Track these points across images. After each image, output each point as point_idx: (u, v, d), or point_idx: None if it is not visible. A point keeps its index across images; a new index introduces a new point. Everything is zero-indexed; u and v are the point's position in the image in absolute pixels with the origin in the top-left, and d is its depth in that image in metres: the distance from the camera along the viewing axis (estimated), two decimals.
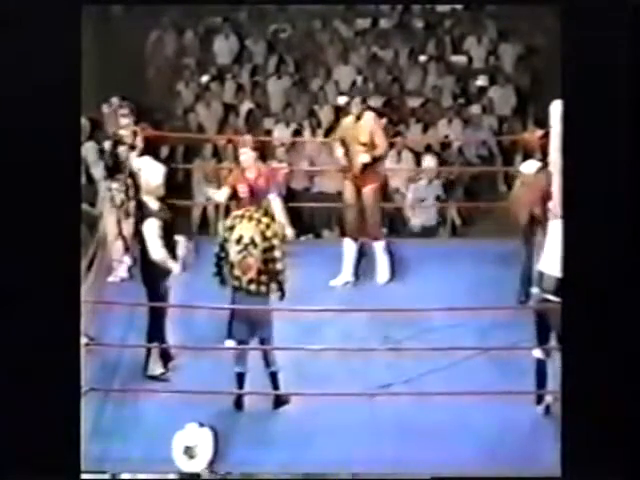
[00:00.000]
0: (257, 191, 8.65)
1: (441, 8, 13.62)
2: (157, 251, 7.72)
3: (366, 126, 9.17)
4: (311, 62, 13.06)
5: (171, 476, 6.66)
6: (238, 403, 7.67)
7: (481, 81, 12.92)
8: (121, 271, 9.42)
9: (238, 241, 7.45)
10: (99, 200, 9.92)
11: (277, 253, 7.46)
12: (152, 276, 7.84)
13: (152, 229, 7.74)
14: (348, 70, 12.93)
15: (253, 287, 7.47)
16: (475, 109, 12.37)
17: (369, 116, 9.26)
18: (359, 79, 12.81)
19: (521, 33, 13.20)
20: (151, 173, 7.93)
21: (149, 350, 7.94)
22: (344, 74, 12.85)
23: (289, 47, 13.35)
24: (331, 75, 12.86)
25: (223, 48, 13.27)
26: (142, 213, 7.88)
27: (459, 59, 13.24)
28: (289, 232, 8.49)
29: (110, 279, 9.34)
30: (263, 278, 7.48)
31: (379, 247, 9.43)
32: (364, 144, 9.11)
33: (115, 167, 9.48)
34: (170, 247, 7.81)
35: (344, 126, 9.34)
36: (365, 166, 9.13)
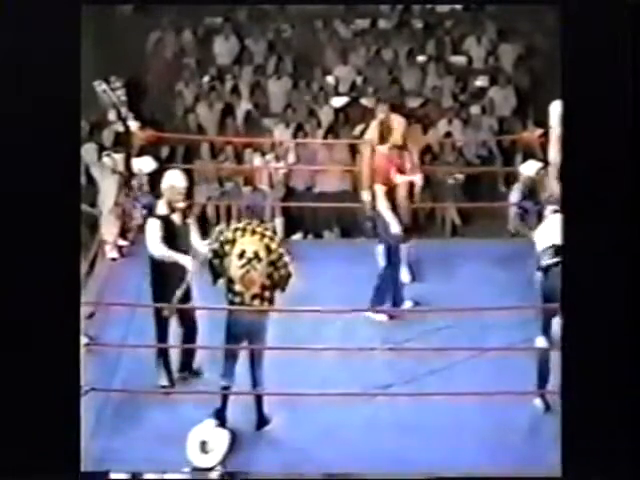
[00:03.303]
0: None
1: (441, 8, 13.60)
2: (156, 247, 7.61)
3: (398, 129, 9.17)
4: (311, 62, 13.05)
5: (169, 476, 6.67)
6: (221, 417, 7.27)
7: (481, 81, 12.92)
8: (113, 252, 9.54)
9: (240, 255, 7.23)
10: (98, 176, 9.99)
11: (287, 258, 7.29)
12: (160, 284, 7.69)
13: (153, 228, 7.66)
14: (348, 70, 12.92)
15: (257, 303, 7.27)
16: (475, 109, 12.37)
17: (399, 119, 9.26)
18: (359, 79, 12.83)
19: (521, 33, 13.18)
20: (173, 179, 7.76)
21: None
22: (344, 74, 12.85)
23: (289, 47, 13.34)
24: (331, 75, 12.85)
25: (223, 48, 13.27)
26: (150, 211, 7.83)
27: (459, 59, 13.22)
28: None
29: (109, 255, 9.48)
30: (267, 294, 7.28)
31: (404, 247, 9.26)
32: (397, 147, 9.12)
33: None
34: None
35: (373, 129, 9.30)
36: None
